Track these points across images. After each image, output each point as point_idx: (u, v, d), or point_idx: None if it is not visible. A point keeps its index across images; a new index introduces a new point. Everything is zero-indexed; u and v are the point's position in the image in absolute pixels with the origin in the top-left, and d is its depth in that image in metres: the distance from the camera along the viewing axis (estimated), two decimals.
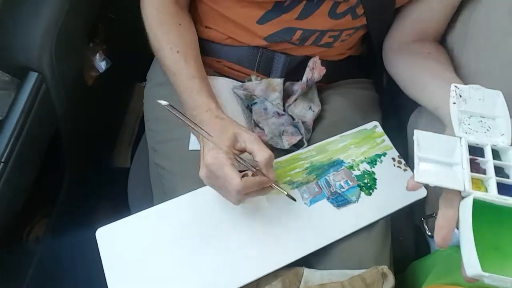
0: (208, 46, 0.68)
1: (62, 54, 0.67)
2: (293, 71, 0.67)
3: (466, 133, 0.44)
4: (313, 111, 0.66)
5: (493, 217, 0.40)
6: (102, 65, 0.81)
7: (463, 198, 0.41)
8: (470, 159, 0.42)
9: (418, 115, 0.71)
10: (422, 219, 0.62)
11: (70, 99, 0.71)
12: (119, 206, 0.73)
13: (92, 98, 0.81)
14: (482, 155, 0.43)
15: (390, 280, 0.51)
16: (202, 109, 0.55)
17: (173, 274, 0.51)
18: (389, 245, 0.58)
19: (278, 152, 0.63)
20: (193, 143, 0.62)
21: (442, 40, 0.67)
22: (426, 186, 0.56)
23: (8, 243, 0.62)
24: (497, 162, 0.42)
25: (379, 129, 0.64)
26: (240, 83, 0.67)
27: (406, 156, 0.65)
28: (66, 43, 0.67)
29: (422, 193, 0.57)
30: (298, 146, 0.63)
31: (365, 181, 0.59)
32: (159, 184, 0.66)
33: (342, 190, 0.57)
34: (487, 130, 0.44)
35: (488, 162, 0.42)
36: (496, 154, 0.43)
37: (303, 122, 0.64)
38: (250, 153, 0.50)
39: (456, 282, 0.52)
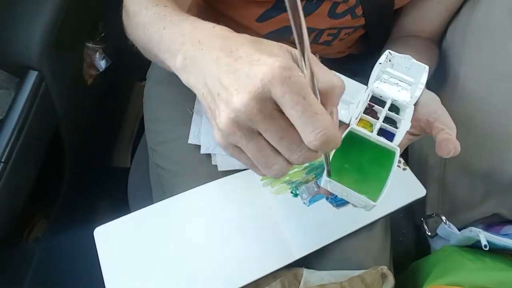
0: None
1: (62, 52, 0.66)
2: None
3: (377, 87, 0.49)
4: None
5: (363, 150, 0.45)
6: (102, 64, 0.81)
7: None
8: (369, 105, 0.48)
9: None
10: (422, 219, 0.62)
11: (70, 97, 0.71)
12: (119, 206, 0.73)
13: (92, 96, 0.81)
14: (383, 107, 0.47)
15: (390, 280, 0.50)
16: (208, 27, 0.36)
17: (171, 274, 0.51)
18: (389, 245, 0.58)
19: None
20: (193, 137, 0.61)
21: (442, 38, 0.67)
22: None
23: (8, 243, 0.62)
24: (391, 114, 0.47)
25: None
26: None
27: (406, 156, 0.65)
28: (66, 42, 0.67)
29: (421, 192, 0.57)
30: None
31: None
32: (159, 184, 0.66)
33: None
34: (399, 91, 0.49)
35: (383, 111, 0.47)
36: (396, 111, 0.48)
37: None
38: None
39: (456, 282, 0.52)
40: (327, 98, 0.31)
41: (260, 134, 0.30)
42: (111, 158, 0.98)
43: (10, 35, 0.62)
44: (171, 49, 0.37)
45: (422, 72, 0.48)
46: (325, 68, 0.32)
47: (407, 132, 0.46)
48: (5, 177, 0.58)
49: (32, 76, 0.63)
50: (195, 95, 0.67)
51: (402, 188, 0.58)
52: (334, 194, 0.56)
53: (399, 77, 0.49)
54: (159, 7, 0.43)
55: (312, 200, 0.56)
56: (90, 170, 0.87)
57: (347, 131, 0.45)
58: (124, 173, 0.80)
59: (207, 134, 0.60)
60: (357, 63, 0.75)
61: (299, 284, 0.51)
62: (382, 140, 0.45)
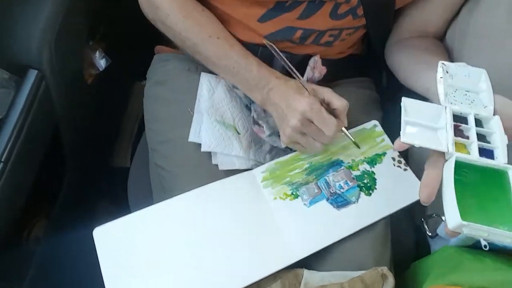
0: None
1: (62, 51, 0.66)
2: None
3: (451, 103, 0.47)
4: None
5: (475, 178, 0.42)
6: (102, 63, 0.81)
7: (446, 161, 0.43)
8: (454, 126, 0.45)
9: None
10: (423, 219, 0.62)
11: (69, 97, 0.71)
12: (119, 206, 0.73)
13: (91, 96, 0.81)
14: (466, 124, 0.46)
15: (390, 281, 0.51)
16: (271, 77, 0.58)
17: (171, 274, 0.51)
18: (389, 246, 0.58)
19: (277, 152, 0.63)
20: (193, 135, 0.61)
21: (442, 39, 0.67)
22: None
23: (8, 243, 0.62)
24: (480, 129, 0.45)
25: (379, 129, 0.64)
26: None
27: (406, 155, 0.65)
28: (66, 41, 0.67)
29: None
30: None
31: (365, 181, 0.58)
32: (159, 184, 0.66)
33: (342, 190, 0.57)
34: (471, 102, 0.47)
35: (471, 129, 0.45)
36: (479, 123, 0.46)
37: None
38: (328, 103, 0.56)
39: (456, 282, 0.52)
40: (341, 114, 0.56)
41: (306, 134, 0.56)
42: (111, 158, 0.98)
43: (10, 34, 0.62)
44: (248, 85, 0.60)
45: (481, 76, 0.47)
46: (336, 94, 0.57)
47: None
48: (5, 177, 0.58)
49: (32, 75, 0.63)
50: (195, 95, 0.68)
51: (402, 189, 0.58)
52: (334, 196, 0.56)
53: (464, 87, 0.48)
54: (213, 40, 0.60)
55: (312, 201, 0.56)
56: (90, 170, 0.87)
57: (452, 161, 0.41)
58: (124, 173, 0.80)
59: (207, 132, 0.60)
60: (358, 63, 0.75)
61: (300, 285, 0.51)
62: (489, 162, 0.42)
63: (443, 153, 0.43)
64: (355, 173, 0.59)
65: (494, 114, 0.45)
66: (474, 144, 0.43)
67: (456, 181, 0.40)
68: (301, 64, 0.66)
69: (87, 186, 0.86)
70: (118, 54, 0.83)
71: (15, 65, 0.63)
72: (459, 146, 0.44)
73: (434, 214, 0.60)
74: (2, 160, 0.58)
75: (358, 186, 0.58)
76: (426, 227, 0.62)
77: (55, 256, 0.73)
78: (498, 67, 0.55)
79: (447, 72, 0.48)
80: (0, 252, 0.61)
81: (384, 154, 0.61)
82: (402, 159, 0.61)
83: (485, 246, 0.53)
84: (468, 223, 0.37)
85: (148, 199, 0.70)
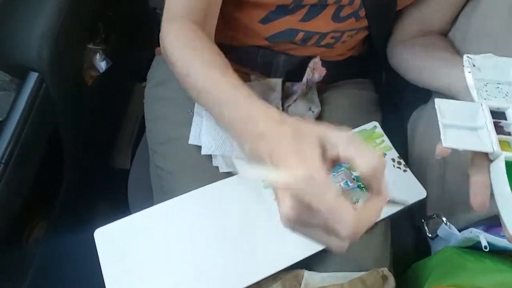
0: None
1: (62, 54, 0.67)
2: (294, 72, 0.67)
3: (485, 99, 0.43)
4: (313, 111, 0.66)
5: None
6: (102, 65, 0.81)
7: (491, 161, 0.40)
8: (494, 123, 0.42)
9: (418, 115, 0.71)
10: (423, 220, 0.62)
11: (70, 99, 0.71)
12: (120, 208, 0.73)
13: (92, 98, 0.81)
14: (505, 119, 0.42)
15: (391, 282, 0.51)
16: (259, 118, 0.39)
17: (172, 275, 0.51)
18: (389, 247, 0.58)
19: None
20: (193, 137, 0.61)
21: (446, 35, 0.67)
22: (427, 187, 0.55)
23: (8, 244, 0.62)
24: None
25: (379, 130, 0.64)
26: None
27: (406, 156, 0.65)
28: (66, 43, 0.67)
29: (422, 193, 0.57)
30: None
31: None
32: (160, 186, 0.66)
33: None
34: (506, 95, 0.44)
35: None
36: None
37: None
38: (347, 162, 0.35)
39: (456, 283, 0.52)
40: (372, 178, 0.35)
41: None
42: (111, 159, 0.98)
43: (11, 36, 0.62)
44: (237, 133, 0.42)
45: (509, 65, 0.44)
46: (362, 147, 0.34)
47: None
48: (5, 178, 0.58)
49: (33, 78, 0.63)
50: None
51: (402, 190, 0.58)
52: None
53: (495, 80, 0.44)
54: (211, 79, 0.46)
55: None
56: (90, 171, 0.87)
57: (502, 163, 0.38)
58: (124, 175, 0.80)
59: (207, 134, 0.60)
60: (357, 64, 0.75)
61: (300, 285, 0.51)
62: None
63: (486, 154, 0.40)
64: (356, 174, 0.59)
65: None
66: None
67: (510, 184, 0.37)
68: (300, 66, 0.66)
69: (88, 187, 0.86)
70: (118, 56, 0.83)
71: (15, 67, 0.63)
72: (502, 145, 0.40)
73: (434, 215, 0.60)
74: (3, 161, 0.58)
75: (359, 186, 0.58)
76: (426, 228, 0.62)
77: (55, 257, 0.73)
78: None
79: (474, 65, 0.44)
80: (1, 253, 0.62)
81: (384, 155, 0.61)
82: (401, 160, 0.61)
83: (485, 247, 0.53)
84: None
85: (148, 200, 0.70)
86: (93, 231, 0.53)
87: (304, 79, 0.64)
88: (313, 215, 0.33)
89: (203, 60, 0.47)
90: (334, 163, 0.36)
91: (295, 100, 0.66)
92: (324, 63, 0.65)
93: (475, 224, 0.61)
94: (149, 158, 0.75)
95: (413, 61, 0.63)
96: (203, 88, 0.45)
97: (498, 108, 0.43)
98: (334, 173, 0.59)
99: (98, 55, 0.80)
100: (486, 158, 0.40)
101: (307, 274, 0.52)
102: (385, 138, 0.63)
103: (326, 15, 0.59)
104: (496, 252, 0.55)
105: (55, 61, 0.65)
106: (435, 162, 0.64)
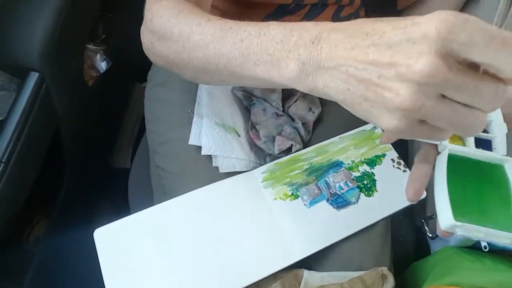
0: None
1: (63, 54, 0.67)
2: None
3: None
4: (313, 112, 0.66)
5: (469, 173, 0.38)
6: (102, 65, 0.81)
7: (439, 153, 0.39)
8: None
9: None
10: (423, 220, 0.63)
11: (70, 99, 0.72)
12: (120, 207, 0.73)
13: (92, 98, 0.81)
14: None
15: (390, 281, 0.51)
16: (305, 26, 0.33)
17: (171, 275, 0.51)
18: (389, 247, 0.58)
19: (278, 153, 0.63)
20: (193, 139, 0.61)
21: None
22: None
23: (8, 243, 0.62)
24: None
25: (379, 130, 0.64)
26: None
27: (406, 156, 0.65)
28: (66, 43, 0.67)
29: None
30: (288, 152, 0.62)
31: (365, 182, 0.59)
32: (160, 186, 0.66)
33: (342, 191, 0.57)
34: None
35: None
36: None
37: (303, 124, 0.64)
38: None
39: (456, 282, 0.52)
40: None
41: (445, 97, 0.28)
42: (111, 159, 0.98)
43: (11, 36, 0.62)
44: (270, 60, 0.34)
45: None
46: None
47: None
48: (6, 178, 0.58)
49: (33, 78, 0.63)
50: (195, 97, 0.67)
51: (402, 190, 0.58)
52: (334, 196, 0.56)
53: None
54: (214, 21, 0.40)
55: (312, 202, 0.56)
56: (90, 171, 0.87)
57: (445, 154, 0.37)
58: (125, 174, 0.80)
59: (208, 135, 0.60)
60: None
61: (300, 285, 0.51)
62: (486, 154, 0.38)
63: (436, 145, 0.39)
64: (355, 174, 0.59)
65: None
66: None
67: (453, 177, 0.36)
68: None
69: (88, 187, 0.86)
70: (119, 57, 0.84)
71: (16, 67, 0.63)
72: (453, 137, 0.40)
73: (434, 215, 0.60)
74: (3, 161, 0.58)
75: (358, 187, 0.58)
76: (426, 228, 0.62)
77: (55, 257, 0.73)
78: None
79: None
80: (1, 251, 0.62)
81: (383, 155, 0.61)
82: (401, 161, 0.61)
83: (484, 247, 0.53)
84: (462, 224, 0.34)
85: (148, 200, 0.70)
86: (93, 230, 0.53)
87: None
88: (463, 71, 0.26)
89: (202, 16, 0.42)
90: None
91: (295, 101, 0.66)
92: None
93: None
94: (149, 158, 0.75)
95: None
96: (214, 35, 0.39)
97: None
98: (334, 173, 0.59)
99: (98, 55, 0.80)
100: (435, 149, 0.39)
101: (306, 274, 0.52)
102: None
103: (326, 15, 0.60)
104: (496, 252, 0.56)
105: (55, 61, 0.65)
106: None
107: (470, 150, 0.38)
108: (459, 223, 0.34)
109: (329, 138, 0.62)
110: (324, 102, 0.69)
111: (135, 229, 0.54)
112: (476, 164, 0.38)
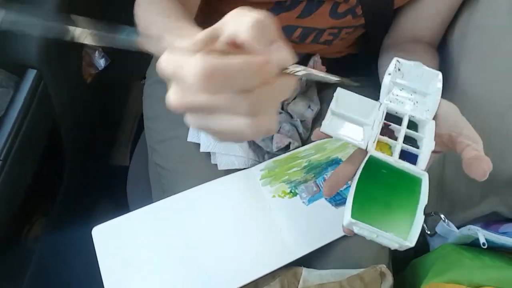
0: None
1: (61, 51, 0.66)
2: None
3: (390, 101, 0.44)
4: (312, 110, 0.66)
5: (390, 181, 0.40)
6: (101, 62, 0.81)
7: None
8: (385, 124, 0.42)
9: None
10: None
11: (69, 96, 0.71)
12: (119, 205, 0.73)
13: (91, 95, 0.81)
14: (400, 124, 0.43)
15: (389, 279, 0.51)
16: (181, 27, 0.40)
17: (170, 273, 0.51)
18: None
19: (276, 151, 0.63)
20: (192, 136, 0.61)
21: (442, 40, 0.67)
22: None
23: (7, 241, 0.62)
24: (411, 132, 0.42)
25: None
26: None
27: None
28: (64, 41, 0.67)
29: None
30: (286, 149, 0.62)
31: None
32: (159, 183, 0.66)
33: (340, 189, 0.57)
34: (415, 103, 0.44)
35: (401, 130, 0.42)
36: (414, 127, 0.43)
37: (302, 121, 0.64)
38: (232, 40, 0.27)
39: (455, 280, 0.52)
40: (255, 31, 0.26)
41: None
42: (110, 157, 0.98)
43: (9, 33, 0.62)
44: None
45: (435, 79, 0.44)
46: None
47: None
48: (4, 175, 0.58)
49: (31, 75, 0.63)
50: None
51: None
52: (344, 199, 0.56)
53: (412, 88, 0.44)
54: (170, 22, 0.43)
55: (311, 200, 0.56)
56: (89, 169, 0.87)
57: (366, 159, 0.40)
58: (123, 172, 0.80)
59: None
60: (356, 62, 0.75)
61: (298, 283, 0.51)
62: (406, 166, 0.40)
63: (365, 150, 0.41)
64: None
65: (434, 118, 0.43)
66: (398, 146, 0.41)
67: (368, 181, 0.39)
68: (300, 64, 0.66)
69: (86, 184, 0.86)
70: (117, 54, 0.83)
71: (14, 65, 0.63)
72: (383, 146, 0.42)
73: (433, 213, 0.60)
74: (1, 158, 0.58)
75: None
76: (425, 225, 0.62)
77: (54, 255, 0.73)
78: (497, 67, 0.55)
79: (399, 69, 0.45)
80: (0, 252, 0.62)
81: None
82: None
83: (483, 244, 0.53)
84: (357, 222, 0.36)
85: (147, 198, 0.70)
86: (92, 229, 0.53)
87: (303, 78, 0.64)
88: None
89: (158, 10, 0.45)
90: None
91: (294, 99, 0.66)
92: (324, 60, 0.65)
93: (474, 221, 0.61)
94: (148, 156, 0.75)
95: (382, 67, 0.61)
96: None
97: (397, 113, 0.43)
98: (332, 171, 0.59)
99: (97, 52, 0.80)
100: (364, 154, 0.41)
101: (305, 272, 0.52)
102: None
103: (323, 11, 0.60)
104: (494, 249, 0.56)
105: (53, 58, 0.65)
106: (434, 161, 0.64)
107: (389, 159, 0.40)
108: (353, 221, 0.36)
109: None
110: (323, 100, 0.69)
111: (133, 227, 0.54)
112: (398, 174, 0.40)
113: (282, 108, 0.66)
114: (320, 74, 0.32)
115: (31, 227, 0.71)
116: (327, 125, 0.42)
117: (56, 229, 0.74)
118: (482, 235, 0.53)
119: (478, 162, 0.37)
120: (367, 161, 0.40)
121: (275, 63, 0.27)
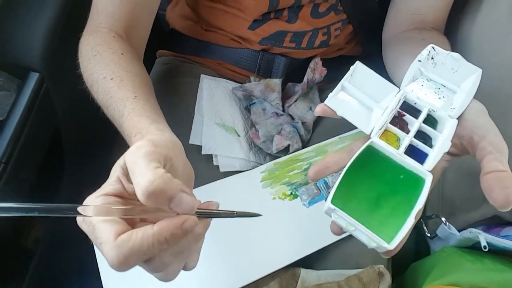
0: (209, 48, 0.69)
1: (63, 54, 0.67)
2: (295, 73, 0.68)
3: (412, 90, 0.40)
4: (313, 111, 0.66)
5: (383, 172, 0.37)
6: None
7: None
8: (398, 113, 0.38)
9: None
10: (422, 220, 0.62)
11: (70, 99, 0.72)
12: None
13: (92, 98, 0.81)
14: (416, 117, 0.38)
15: (387, 279, 0.50)
16: (132, 133, 0.43)
17: None
18: None
19: (277, 153, 0.63)
20: (194, 138, 0.61)
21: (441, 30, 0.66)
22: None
23: (8, 243, 0.62)
24: (426, 128, 0.38)
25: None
26: (240, 85, 0.67)
27: None
28: (67, 44, 0.67)
29: None
30: (286, 151, 0.62)
31: None
32: None
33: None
34: (440, 98, 0.39)
35: (415, 123, 0.37)
36: (432, 123, 0.39)
37: (303, 123, 0.65)
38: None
39: (456, 282, 0.52)
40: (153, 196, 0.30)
41: None
42: (111, 159, 0.98)
43: (12, 36, 0.62)
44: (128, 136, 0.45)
45: (472, 76, 0.39)
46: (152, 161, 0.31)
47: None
48: (6, 178, 0.58)
49: (33, 78, 0.63)
50: (195, 97, 0.68)
51: None
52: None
53: (441, 81, 0.40)
54: (106, 82, 0.49)
55: (311, 202, 0.56)
56: (90, 171, 0.87)
57: (365, 145, 0.36)
58: None
59: (208, 134, 0.61)
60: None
61: (297, 284, 0.51)
62: (409, 162, 0.36)
63: (368, 138, 0.37)
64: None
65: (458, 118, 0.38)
66: (407, 139, 0.37)
67: (360, 168, 0.36)
68: (301, 68, 0.66)
69: (87, 186, 0.86)
70: None
71: (16, 67, 0.63)
72: (390, 137, 0.38)
73: (433, 215, 0.60)
74: (3, 161, 0.58)
75: None
76: (425, 228, 0.62)
77: (55, 256, 0.73)
78: (498, 68, 0.55)
79: (432, 58, 0.40)
80: (0, 253, 0.62)
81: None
82: None
83: (484, 247, 0.53)
84: (335, 209, 0.33)
85: None
86: None
87: (305, 79, 0.65)
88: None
89: (101, 71, 0.49)
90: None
91: (295, 100, 0.66)
92: (325, 61, 0.66)
93: (475, 224, 0.61)
94: None
95: (396, 57, 0.58)
96: (103, 99, 0.50)
97: (416, 104, 0.39)
98: (333, 173, 0.59)
99: None
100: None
101: (303, 272, 0.52)
102: None
103: (304, 14, 0.62)
104: (496, 252, 0.55)
105: (56, 61, 0.65)
106: (443, 167, 0.64)
107: (392, 150, 0.36)
108: (332, 207, 0.33)
109: (328, 138, 0.62)
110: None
111: None
112: (394, 167, 0.36)
113: (283, 110, 0.66)
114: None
115: (32, 228, 0.71)
116: (332, 99, 0.38)
117: (56, 231, 0.74)
118: (483, 238, 0.53)
119: (500, 183, 0.31)
120: (366, 147, 0.36)
121: (180, 230, 0.30)
